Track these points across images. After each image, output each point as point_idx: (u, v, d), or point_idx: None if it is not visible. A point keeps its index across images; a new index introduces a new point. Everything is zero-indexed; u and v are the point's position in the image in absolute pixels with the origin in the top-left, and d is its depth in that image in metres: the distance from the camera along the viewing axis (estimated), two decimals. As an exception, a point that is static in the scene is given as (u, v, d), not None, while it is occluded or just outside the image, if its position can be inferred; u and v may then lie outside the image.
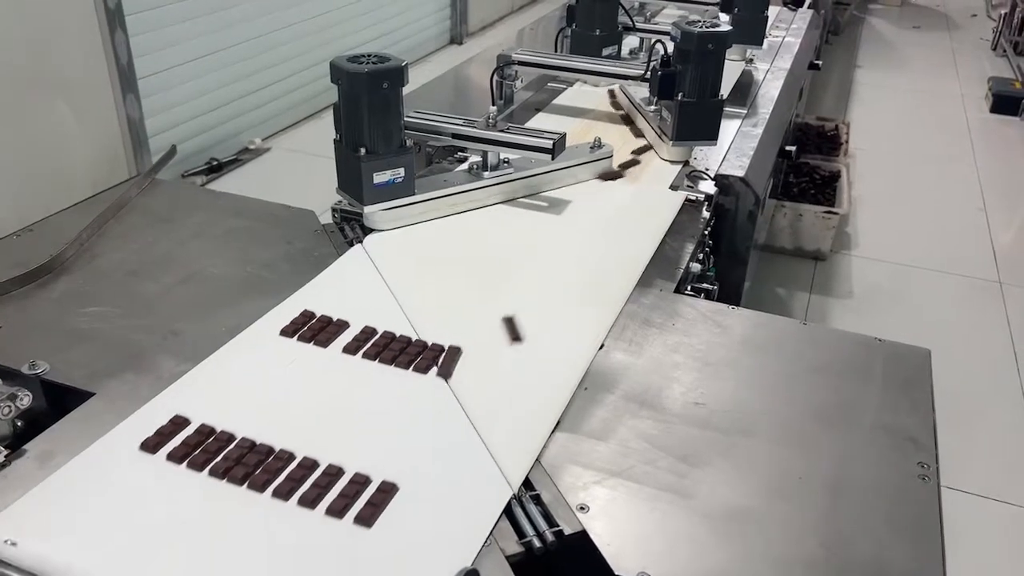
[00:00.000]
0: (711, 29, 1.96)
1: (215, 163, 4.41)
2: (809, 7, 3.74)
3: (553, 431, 1.22)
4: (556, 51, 2.70)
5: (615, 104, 2.49)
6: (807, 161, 4.14)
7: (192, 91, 4.24)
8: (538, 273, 1.62)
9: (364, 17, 5.49)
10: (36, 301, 1.44)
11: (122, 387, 1.25)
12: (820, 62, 3.29)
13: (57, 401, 1.27)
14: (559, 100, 2.53)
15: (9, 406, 1.07)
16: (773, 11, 3.51)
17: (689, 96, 2.01)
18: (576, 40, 2.59)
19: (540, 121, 2.37)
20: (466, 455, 1.16)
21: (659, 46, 2.06)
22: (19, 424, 1.26)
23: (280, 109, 4.76)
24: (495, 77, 2.36)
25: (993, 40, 6.83)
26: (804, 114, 4.56)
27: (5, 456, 1.14)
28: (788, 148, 2.46)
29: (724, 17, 2.88)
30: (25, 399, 1.10)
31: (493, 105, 2.41)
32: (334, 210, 1.84)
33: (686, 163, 2.11)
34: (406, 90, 1.69)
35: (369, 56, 1.64)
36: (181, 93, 4.17)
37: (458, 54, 6.51)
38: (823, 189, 3.94)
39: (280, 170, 4.42)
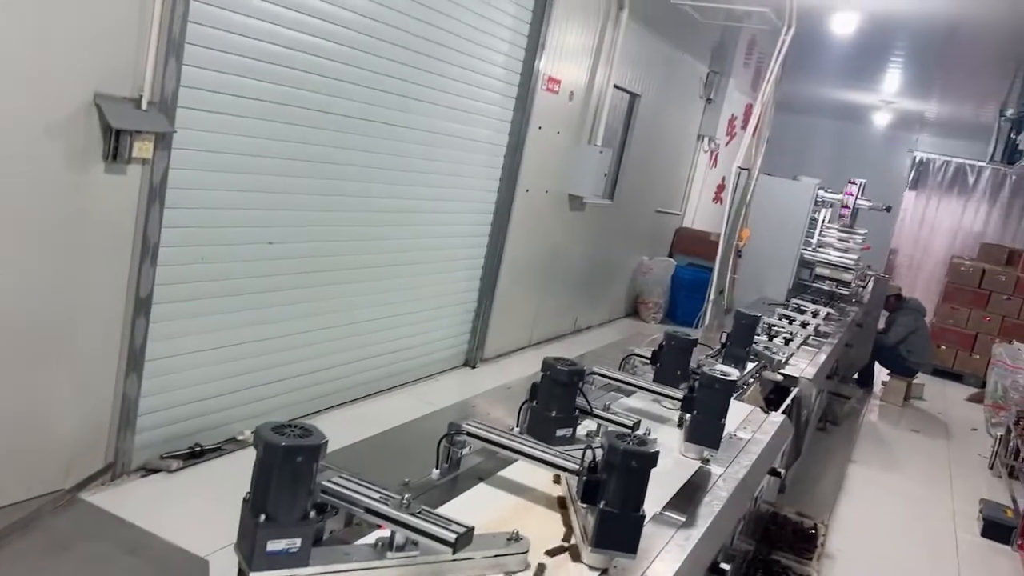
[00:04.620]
0: (638, 448, 2.04)
1: (198, 448, 4.48)
2: (785, 411, 3.88)
3: None
4: (517, 422, 2.81)
5: (558, 485, 2.53)
6: (778, 559, 4.04)
7: (194, 378, 4.43)
8: None
9: (381, 333, 5.82)
10: None
11: None
12: (783, 471, 3.34)
13: None
14: (506, 472, 2.58)
15: None
16: (745, 410, 3.66)
17: (611, 505, 2.04)
18: (534, 416, 2.70)
19: (479, 494, 2.40)
20: None
21: (589, 452, 2.14)
22: None
23: (274, 407, 4.91)
24: (443, 442, 2.45)
25: (991, 459, 6.85)
26: (783, 505, 4.54)
27: None
28: (723, 567, 2.42)
29: (687, 417, 3.00)
30: None
31: (437, 468, 2.47)
32: (240, 561, 1.83)
33: (605, 571, 2.08)
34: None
35: (294, 428, 1.74)
36: (183, 378, 4.36)
37: (468, 377, 6.80)
38: (790, 593, 3.80)
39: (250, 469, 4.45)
